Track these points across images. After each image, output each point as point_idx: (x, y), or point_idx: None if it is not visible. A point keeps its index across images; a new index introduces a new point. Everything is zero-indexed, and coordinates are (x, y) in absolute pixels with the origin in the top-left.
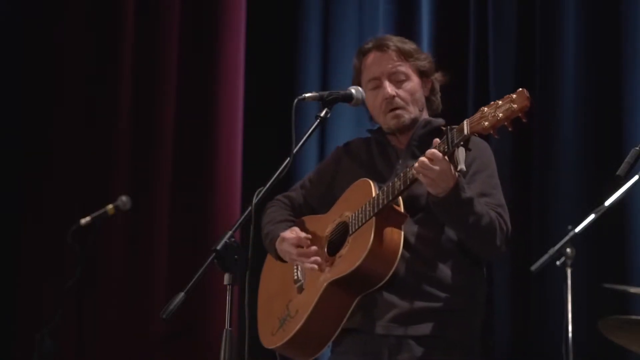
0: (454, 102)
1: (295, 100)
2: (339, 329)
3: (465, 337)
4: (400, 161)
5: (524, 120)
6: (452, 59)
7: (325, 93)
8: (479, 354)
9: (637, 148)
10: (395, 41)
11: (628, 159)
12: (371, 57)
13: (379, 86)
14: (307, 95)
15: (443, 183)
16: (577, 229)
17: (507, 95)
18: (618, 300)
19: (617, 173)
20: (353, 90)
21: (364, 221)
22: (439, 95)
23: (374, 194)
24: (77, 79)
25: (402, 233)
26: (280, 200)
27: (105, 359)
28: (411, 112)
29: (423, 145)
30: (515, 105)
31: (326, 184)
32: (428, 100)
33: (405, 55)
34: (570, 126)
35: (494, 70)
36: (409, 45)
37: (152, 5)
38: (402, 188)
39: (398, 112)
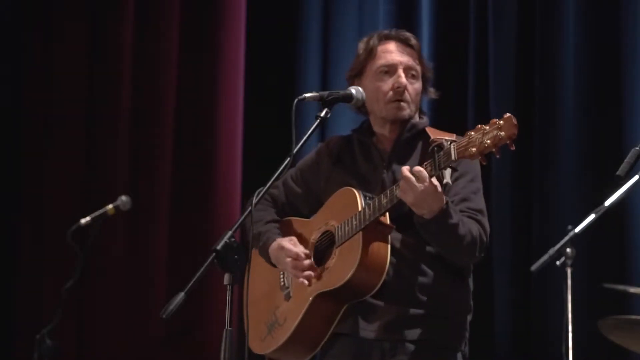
0: (454, 102)
1: (295, 100)
2: (329, 334)
3: (453, 340)
4: (385, 166)
5: (511, 148)
6: (452, 59)
7: (325, 93)
8: (467, 357)
9: (637, 148)
10: (415, 40)
11: (628, 159)
12: (392, 45)
13: (390, 74)
14: (307, 95)
15: (427, 204)
16: (577, 229)
17: (494, 120)
18: (618, 300)
19: (617, 173)
20: (353, 90)
21: (350, 234)
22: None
23: (359, 207)
24: (77, 78)
25: (389, 245)
26: (264, 197)
27: (105, 359)
28: (412, 111)
29: (407, 149)
30: (503, 133)
31: (308, 184)
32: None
33: (421, 57)
34: (570, 126)
35: (494, 70)
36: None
37: (152, 5)
38: (388, 206)
39: (403, 104)
